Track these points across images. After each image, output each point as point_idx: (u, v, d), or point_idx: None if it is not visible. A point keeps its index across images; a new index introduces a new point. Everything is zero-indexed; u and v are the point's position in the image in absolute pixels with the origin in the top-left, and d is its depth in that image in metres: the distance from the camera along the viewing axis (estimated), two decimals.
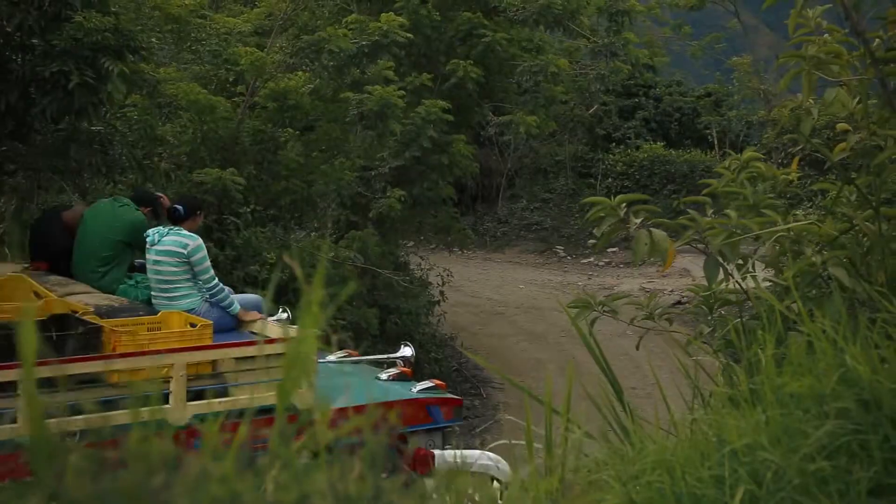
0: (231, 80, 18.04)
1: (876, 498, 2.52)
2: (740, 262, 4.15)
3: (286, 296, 12.67)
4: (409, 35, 18.30)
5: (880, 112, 4.15)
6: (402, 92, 17.87)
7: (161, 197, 10.53)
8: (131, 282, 9.77)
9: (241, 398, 6.87)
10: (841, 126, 4.31)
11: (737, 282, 4.16)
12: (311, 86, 17.98)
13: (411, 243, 25.48)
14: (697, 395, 3.45)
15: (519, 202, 33.01)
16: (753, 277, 4.18)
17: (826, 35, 4.18)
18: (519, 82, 21.33)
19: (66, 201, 16.64)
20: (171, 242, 9.14)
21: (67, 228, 10.32)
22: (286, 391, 1.76)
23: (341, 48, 17.53)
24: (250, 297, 9.69)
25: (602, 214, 4.21)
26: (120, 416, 1.73)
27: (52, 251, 10.19)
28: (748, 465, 2.56)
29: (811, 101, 4.30)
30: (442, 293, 22.40)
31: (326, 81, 18.06)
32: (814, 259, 3.85)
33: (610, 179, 27.19)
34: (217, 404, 6.72)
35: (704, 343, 4.21)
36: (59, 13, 14.41)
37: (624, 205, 4.21)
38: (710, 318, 4.41)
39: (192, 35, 17.86)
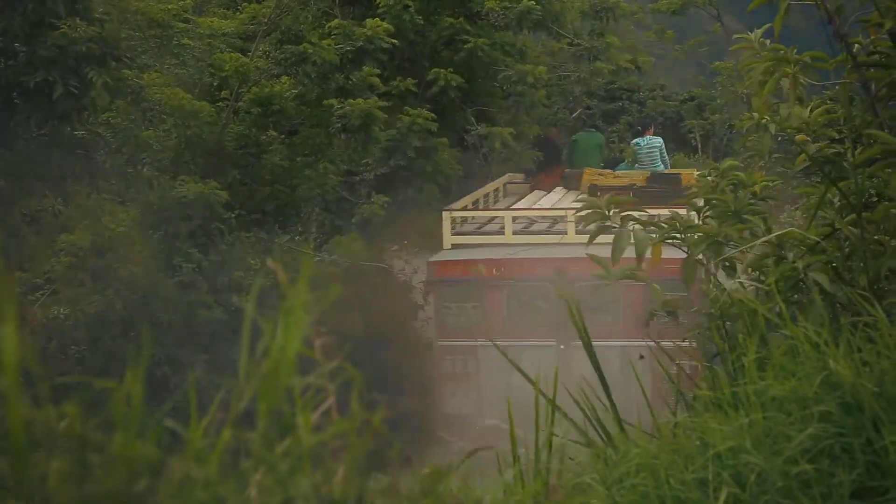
0: (215, 84, 17.98)
1: (859, 500, 2.52)
2: (725, 264, 4.16)
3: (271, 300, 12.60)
4: (394, 41, 18.28)
5: (863, 116, 4.16)
6: (385, 103, 17.87)
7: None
8: (625, 164, 19.54)
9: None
10: (800, 138, 4.33)
11: (718, 286, 4.17)
12: (296, 91, 17.95)
13: (396, 247, 25.36)
14: (681, 399, 3.45)
15: None
16: (737, 282, 4.18)
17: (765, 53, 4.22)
18: (503, 87, 21.29)
19: (48, 206, 16.58)
20: (654, 143, 18.51)
21: (555, 138, 20.45)
22: (270, 394, 1.76)
23: (325, 60, 17.54)
24: None
25: (588, 215, 4.24)
26: None
27: (557, 157, 19.42)
28: (732, 468, 2.56)
29: (768, 117, 4.33)
30: (425, 297, 22.26)
31: (310, 88, 18.03)
32: (796, 263, 3.86)
33: None
34: None
35: (688, 347, 4.22)
36: (43, 19, 14.34)
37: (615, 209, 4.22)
38: (694, 322, 4.42)
39: (175, 40, 17.80)
